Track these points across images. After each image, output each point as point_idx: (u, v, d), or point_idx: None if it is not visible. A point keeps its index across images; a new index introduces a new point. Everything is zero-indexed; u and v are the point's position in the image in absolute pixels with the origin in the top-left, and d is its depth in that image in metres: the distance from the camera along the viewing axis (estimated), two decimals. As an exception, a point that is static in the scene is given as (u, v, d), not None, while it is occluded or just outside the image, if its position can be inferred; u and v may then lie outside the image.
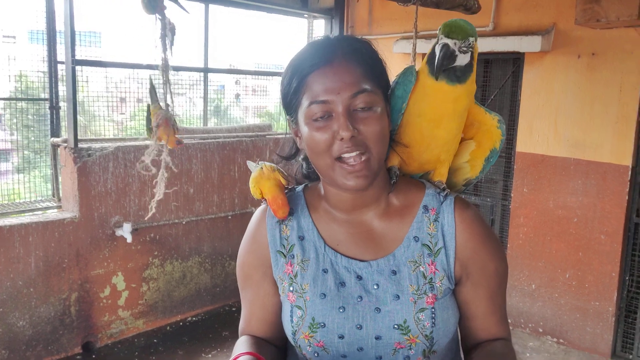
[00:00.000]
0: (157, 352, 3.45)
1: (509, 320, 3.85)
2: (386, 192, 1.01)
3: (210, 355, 3.43)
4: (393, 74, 1.03)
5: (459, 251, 0.97)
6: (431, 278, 0.96)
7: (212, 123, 4.47)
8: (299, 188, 1.08)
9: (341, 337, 0.95)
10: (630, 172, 3.24)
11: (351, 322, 0.95)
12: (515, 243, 3.82)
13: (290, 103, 0.96)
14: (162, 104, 1.97)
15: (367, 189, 0.95)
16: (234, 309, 4.10)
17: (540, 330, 3.74)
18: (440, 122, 1.02)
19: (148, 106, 1.98)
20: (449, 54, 0.96)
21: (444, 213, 0.99)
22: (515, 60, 3.76)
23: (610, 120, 3.28)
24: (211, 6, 4.08)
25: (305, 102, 0.92)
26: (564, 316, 3.60)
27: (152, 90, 1.98)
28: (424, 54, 4.21)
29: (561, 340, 3.63)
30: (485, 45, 3.65)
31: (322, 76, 0.91)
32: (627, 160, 3.25)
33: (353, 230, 1.01)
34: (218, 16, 4.26)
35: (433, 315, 0.94)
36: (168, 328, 3.78)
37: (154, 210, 2.07)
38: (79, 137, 3.25)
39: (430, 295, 0.95)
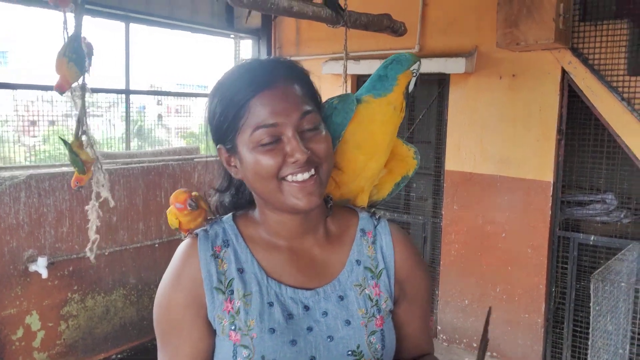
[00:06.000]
0: (79, 397, 3.17)
1: (444, 337, 3.90)
2: (324, 217, 1.01)
3: (138, 396, 3.20)
4: (323, 95, 1.01)
5: (397, 271, 0.99)
6: (377, 300, 0.96)
7: (134, 145, 4.26)
8: (227, 217, 1.01)
9: None
10: (551, 188, 3.39)
11: (304, 355, 0.90)
12: (447, 260, 3.88)
13: (226, 131, 0.91)
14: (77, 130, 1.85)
15: (313, 211, 0.94)
16: (163, 342, 3.87)
17: (475, 345, 3.79)
18: (376, 153, 1.04)
19: (67, 144, 1.84)
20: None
21: (381, 235, 1.01)
22: (441, 81, 3.86)
23: (531, 139, 3.43)
24: (132, 25, 3.91)
25: (248, 128, 0.89)
26: (496, 330, 3.68)
27: (68, 146, 1.86)
28: (354, 75, 4.23)
29: (494, 354, 3.71)
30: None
31: (268, 99, 0.88)
32: (549, 177, 3.39)
33: (295, 257, 0.97)
34: (138, 35, 4.10)
35: (382, 338, 0.94)
36: (90, 369, 3.49)
37: (93, 254, 1.95)
38: (-15, 165, 2.97)
39: (378, 317, 0.95)
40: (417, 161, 1.14)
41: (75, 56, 1.73)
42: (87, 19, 1.97)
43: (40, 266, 3.12)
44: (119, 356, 3.66)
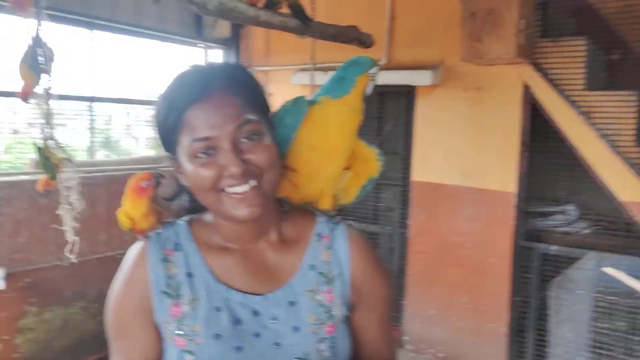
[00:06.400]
0: (34, 414, 3.06)
1: (412, 347, 3.90)
2: (277, 221, 0.99)
3: (97, 412, 3.10)
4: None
5: (354, 277, 0.97)
6: (329, 306, 0.94)
7: (101, 155, 4.18)
8: (182, 220, 1.01)
9: None
10: (515, 199, 3.45)
11: None
12: (414, 270, 3.90)
13: (168, 140, 0.90)
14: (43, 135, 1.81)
15: (260, 218, 0.91)
16: (125, 356, 3.77)
17: (440, 355, 3.81)
18: (332, 155, 1.03)
19: (40, 149, 1.81)
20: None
21: (338, 240, 0.99)
22: (408, 93, 3.90)
23: (495, 150, 3.49)
24: (99, 32, 3.85)
25: (185, 140, 0.87)
26: (462, 339, 3.71)
27: (41, 151, 1.82)
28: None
29: (460, 364, 3.73)
30: (379, 78, 3.76)
31: (202, 111, 0.86)
32: (512, 188, 3.46)
33: (247, 262, 0.96)
34: (107, 44, 4.03)
35: (333, 345, 0.93)
36: (48, 384, 3.38)
37: (73, 256, 1.91)
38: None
39: (329, 324, 0.94)
40: (381, 162, 1.13)
41: (33, 62, 1.70)
42: (52, 26, 1.94)
43: (-5, 277, 3.02)
44: (78, 371, 3.56)
